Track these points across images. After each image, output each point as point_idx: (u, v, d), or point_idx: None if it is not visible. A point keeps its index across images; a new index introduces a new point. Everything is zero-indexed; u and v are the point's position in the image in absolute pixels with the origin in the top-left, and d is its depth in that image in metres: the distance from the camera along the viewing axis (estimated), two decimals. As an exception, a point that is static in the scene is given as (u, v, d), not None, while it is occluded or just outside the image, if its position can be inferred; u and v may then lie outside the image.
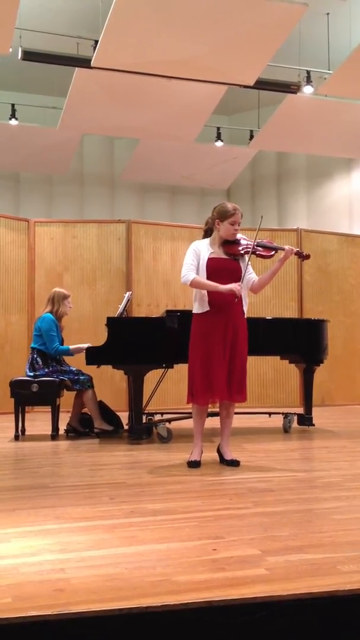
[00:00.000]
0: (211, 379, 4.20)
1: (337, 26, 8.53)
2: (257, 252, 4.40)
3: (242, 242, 4.36)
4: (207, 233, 4.42)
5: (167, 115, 8.69)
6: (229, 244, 4.34)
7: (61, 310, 5.98)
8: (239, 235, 4.35)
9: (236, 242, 4.35)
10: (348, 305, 9.35)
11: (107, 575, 2.12)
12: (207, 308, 4.26)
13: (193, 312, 4.35)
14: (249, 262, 4.32)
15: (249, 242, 4.36)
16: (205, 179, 11.17)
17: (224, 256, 4.32)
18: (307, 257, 4.61)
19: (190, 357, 4.31)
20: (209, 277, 4.24)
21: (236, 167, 10.89)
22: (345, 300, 9.35)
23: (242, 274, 4.28)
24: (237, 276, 4.27)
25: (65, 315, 6.05)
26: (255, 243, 4.35)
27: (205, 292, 4.26)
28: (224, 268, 4.27)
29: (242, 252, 4.33)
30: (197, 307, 4.31)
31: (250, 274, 4.37)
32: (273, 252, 4.48)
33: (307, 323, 6.62)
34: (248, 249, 4.32)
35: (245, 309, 4.33)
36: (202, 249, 4.32)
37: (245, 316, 4.35)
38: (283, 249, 4.36)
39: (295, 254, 4.42)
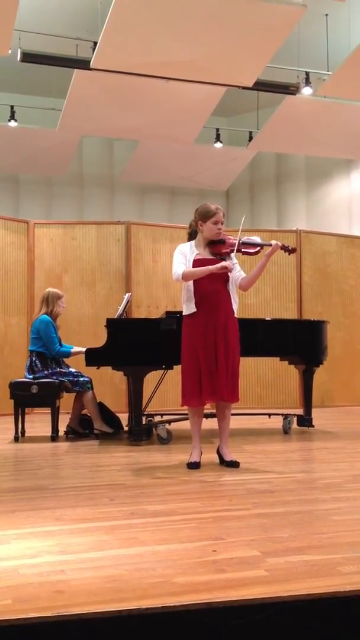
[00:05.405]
0: (202, 381, 4.20)
1: (336, 27, 8.53)
2: (243, 250, 4.41)
3: (228, 241, 4.37)
4: (192, 236, 4.43)
5: (166, 117, 8.69)
6: (214, 244, 4.35)
7: (56, 310, 5.98)
8: (223, 235, 4.36)
9: (221, 242, 4.35)
10: (347, 306, 9.35)
11: (107, 576, 2.11)
12: (194, 309, 4.26)
13: (182, 314, 4.36)
14: (236, 261, 4.33)
15: (234, 241, 4.36)
16: (204, 181, 11.17)
17: (209, 256, 4.32)
18: (294, 250, 4.60)
19: (182, 359, 4.32)
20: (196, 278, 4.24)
21: (235, 168, 10.89)
22: (345, 301, 9.35)
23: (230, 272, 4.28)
24: (224, 275, 4.27)
25: (59, 315, 6.05)
26: (241, 241, 4.36)
27: (192, 293, 4.27)
28: None
29: (227, 251, 4.34)
30: (185, 309, 4.33)
31: (238, 272, 4.37)
32: (259, 248, 4.48)
33: (306, 324, 6.62)
34: (233, 248, 4.33)
35: (235, 307, 4.33)
36: (187, 251, 4.32)
37: (236, 315, 4.35)
38: (269, 245, 4.37)
39: (281, 248, 4.42)
